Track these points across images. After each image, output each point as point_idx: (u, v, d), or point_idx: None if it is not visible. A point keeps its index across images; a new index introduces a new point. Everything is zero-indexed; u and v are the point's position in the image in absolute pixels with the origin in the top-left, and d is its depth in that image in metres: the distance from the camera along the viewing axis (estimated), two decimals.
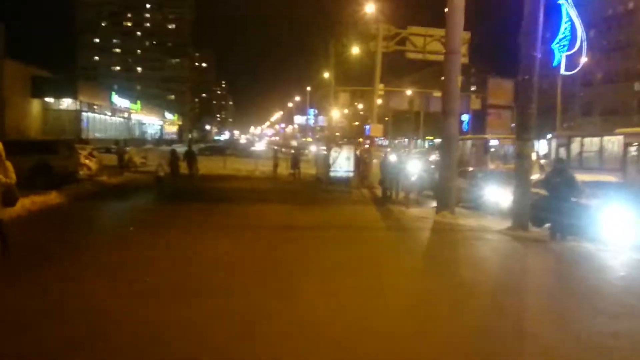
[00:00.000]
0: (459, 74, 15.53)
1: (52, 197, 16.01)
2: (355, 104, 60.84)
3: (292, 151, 34.87)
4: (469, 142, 20.05)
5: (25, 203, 14.12)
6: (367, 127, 68.88)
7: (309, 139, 58.14)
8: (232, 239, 11.38)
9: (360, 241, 11.82)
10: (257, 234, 12.16)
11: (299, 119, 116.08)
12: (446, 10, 15.68)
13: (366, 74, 57.19)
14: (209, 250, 10.10)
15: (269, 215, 15.40)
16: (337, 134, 39.87)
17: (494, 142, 18.79)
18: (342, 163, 26.79)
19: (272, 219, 14.67)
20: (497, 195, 16.50)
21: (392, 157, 22.02)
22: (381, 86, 41.54)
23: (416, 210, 17.07)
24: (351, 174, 26.73)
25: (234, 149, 60.46)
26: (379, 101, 32.17)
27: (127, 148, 31.74)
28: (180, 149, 31.71)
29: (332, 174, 26.71)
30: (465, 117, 69.22)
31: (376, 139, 29.21)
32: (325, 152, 27.76)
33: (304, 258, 9.72)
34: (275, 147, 38.33)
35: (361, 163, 22.68)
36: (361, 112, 71.20)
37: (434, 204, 18.30)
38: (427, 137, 76.07)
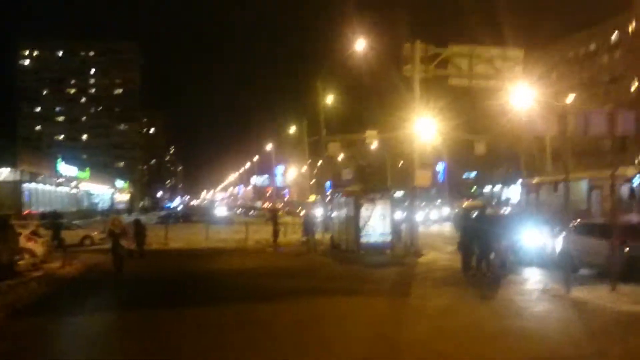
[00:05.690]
0: None
1: None
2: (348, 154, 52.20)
3: (304, 213, 28.23)
4: (584, 183, 14.34)
5: None
6: (327, 183, 54.66)
7: (312, 197, 51.18)
8: None
9: None
10: None
11: (255, 180, 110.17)
12: None
13: (352, 119, 51.34)
14: None
15: (350, 340, 8.69)
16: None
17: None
18: (377, 225, 20.28)
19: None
20: None
21: (487, 211, 15.82)
22: (374, 132, 36.10)
23: (576, 295, 10.59)
24: (388, 238, 20.30)
25: (202, 214, 52.79)
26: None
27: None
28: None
29: (363, 239, 20.19)
30: (440, 166, 61.65)
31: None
32: (349, 212, 21.23)
33: None
34: (276, 211, 31.40)
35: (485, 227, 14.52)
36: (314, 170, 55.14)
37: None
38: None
